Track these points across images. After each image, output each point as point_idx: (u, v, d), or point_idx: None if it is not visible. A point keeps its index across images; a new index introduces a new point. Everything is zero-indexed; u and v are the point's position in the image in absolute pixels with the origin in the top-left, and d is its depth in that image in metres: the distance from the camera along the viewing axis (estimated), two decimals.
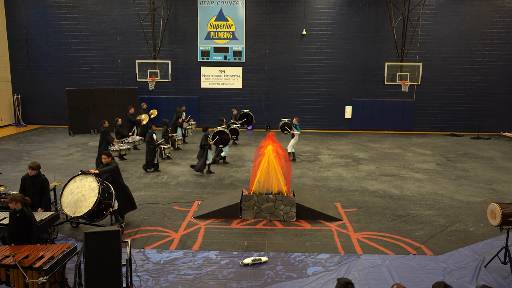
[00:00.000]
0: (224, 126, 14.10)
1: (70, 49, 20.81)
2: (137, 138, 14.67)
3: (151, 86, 18.69)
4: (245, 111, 16.87)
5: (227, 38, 20.66)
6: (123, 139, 14.03)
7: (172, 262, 6.92)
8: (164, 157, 14.15)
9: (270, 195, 8.81)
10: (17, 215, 5.94)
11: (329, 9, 20.33)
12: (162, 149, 14.04)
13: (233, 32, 20.62)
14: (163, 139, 13.93)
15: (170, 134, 15.19)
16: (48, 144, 16.66)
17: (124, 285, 5.46)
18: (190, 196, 10.38)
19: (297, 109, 21.02)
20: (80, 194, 7.65)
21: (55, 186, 8.83)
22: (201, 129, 14.50)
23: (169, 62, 18.93)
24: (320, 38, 20.55)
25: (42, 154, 14.82)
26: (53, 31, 20.67)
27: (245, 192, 9.43)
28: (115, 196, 7.91)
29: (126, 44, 20.72)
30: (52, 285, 5.51)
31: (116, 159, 12.97)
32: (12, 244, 5.93)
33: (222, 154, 13.72)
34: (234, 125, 15.57)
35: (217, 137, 12.88)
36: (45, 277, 5.25)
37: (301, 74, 20.88)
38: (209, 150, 12.41)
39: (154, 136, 12.65)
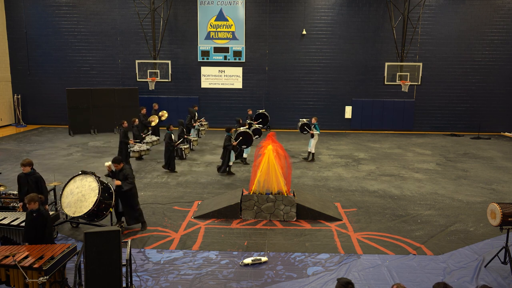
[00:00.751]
0: (246, 126, 14.01)
1: (70, 49, 20.81)
2: (154, 138, 14.77)
3: (151, 86, 18.69)
4: (260, 111, 16.60)
5: (227, 38, 20.66)
6: (138, 140, 13.99)
7: (172, 262, 6.92)
8: (184, 157, 14.18)
9: (270, 195, 8.81)
10: (34, 214, 5.97)
11: (329, 9, 20.33)
12: (183, 149, 14.06)
13: (233, 32, 20.62)
14: (181, 140, 14.00)
15: (185, 136, 15.22)
16: (48, 144, 16.66)
17: (124, 285, 5.46)
18: (190, 196, 10.38)
19: (297, 109, 21.02)
20: (80, 194, 7.65)
21: (55, 186, 8.83)
22: (223, 129, 14.51)
23: (169, 62, 18.93)
24: (320, 38, 20.55)
25: (42, 154, 14.82)
26: (53, 31, 20.67)
27: (245, 192, 9.43)
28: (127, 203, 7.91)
29: (126, 44, 20.72)
30: (52, 285, 5.51)
31: (132, 160, 13.12)
32: (27, 244, 5.96)
33: (244, 155, 13.74)
34: (257, 125, 15.23)
35: (241, 138, 12.65)
36: (45, 277, 5.25)
37: (301, 74, 20.88)
38: (231, 151, 12.49)
39: (173, 136, 12.72)
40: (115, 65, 20.91)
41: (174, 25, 20.59)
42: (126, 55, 20.74)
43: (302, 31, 20.37)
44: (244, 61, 20.83)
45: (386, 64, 18.63)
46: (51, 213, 7.18)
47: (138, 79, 18.75)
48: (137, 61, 18.78)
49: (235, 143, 12.41)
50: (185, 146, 14.17)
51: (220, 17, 20.53)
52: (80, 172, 8.32)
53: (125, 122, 12.97)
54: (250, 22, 20.54)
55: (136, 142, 13.77)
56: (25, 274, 5.27)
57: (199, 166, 13.46)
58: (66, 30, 20.66)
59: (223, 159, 12.51)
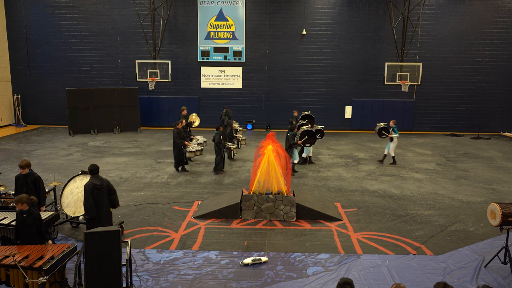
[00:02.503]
0: (309, 126, 13.96)
1: (70, 49, 20.81)
2: (201, 140, 14.92)
3: (151, 86, 18.69)
4: (306, 112, 16.39)
5: (227, 38, 20.66)
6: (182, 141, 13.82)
7: (172, 262, 6.92)
8: (232, 157, 14.31)
9: (270, 195, 8.81)
10: (24, 215, 5.96)
11: (329, 9, 20.33)
12: (232, 149, 14.25)
13: (233, 32, 20.62)
14: (231, 141, 14.33)
15: (234, 135, 15.40)
16: (48, 144, 16.66)
17: (124, 285, 5.46)
18: (190, 196, 10.38)
19: (297, 109, 20.94)
20: (80, 194, 7.65)
21: (55, 186, 8.83)
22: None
23: (169, 62, 18.93)
24: (320, 38, 20.55)
25: (42, 154, 14.82)
26: (53, 31, 20.67)
27: (245, 192, 9.43)
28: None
29: (126, 44, 20.72)
30: (52, 285, 5.51)
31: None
32: (18, 243, 5.95)
33: (304, 154, 13.69)
34: (319, 126, 15.03)
35: (306, 136, 12.91)
36: (45, 277, 5.24)
37: (301, 74, 20.88)
38: (295, 149, 12.60)
39: (221, 137, 12.70)
40: (115, 65, 20.91)
41: (174, 25, 20.59)
42: (126, 55, 20.74)
43: (302, 31, 20.37)
44: (244, 61, 20.83)
45: (386, 64, 18.63)
46: (51, 213, 7.17)
47: (138, 79, 18.75)
48: (137, 61, 18.78)
49: (300, 142, 12.74)
50: (234, 146, 14.45)
51: (220, 17, 20.53)
52: (80, 172, 8.33)
53: (180, 124, 12.65)
54: (250, 22, 20.54)
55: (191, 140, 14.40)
56: (25, 274, 5.27)
57: (199, 166, 13.46)
58: (66, 30, 20.67)
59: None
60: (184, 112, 15.40)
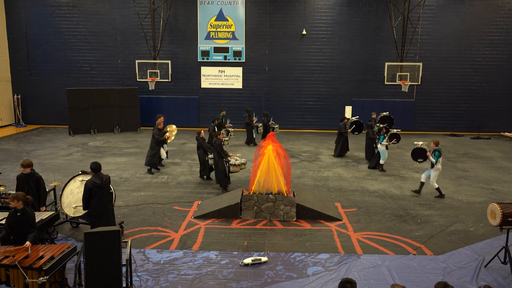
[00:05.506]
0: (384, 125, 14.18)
1: (70, 49, 20.81)
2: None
3: (151, 86, 18.69)
4: (384, 114, 16.31)
5: (227, 38, 20.66)
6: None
7: (172, 262, 6.92)
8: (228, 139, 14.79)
9: (270, 195, 8.81)
10: (18, 214, 5.94)
11: (329, 9, 20.33)
12: (230, 131, 15.18)
13: (233, 32, 20.62)
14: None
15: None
16: (48, 144, 16.66)
17: (124, 285, 5.46)
18: (190, 196, 10.38)
19: (297, 109, 21.03)
20: (81, 194, 7.64)
21: (55, 186, 8.83)
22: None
23: (169, 62, 18.93)
24: (320, 38, 20.55)
25: (42, 154, 14.82)
26: (53, 31, 20.67)
27: (245, 192, 9.43)
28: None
29: (126, 44, 20.72)
30: (52, 285, 5.51)
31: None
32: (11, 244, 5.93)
33: (381, 161, 13.14)
34: (395, 130, 15.04)
35: (354, 125, 15.13)
36: (45, 277, 5.24)
37: (301, 74, 20.88)
38: (384, 150, 13.01)
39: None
40: (115, 65, 20.91)
41: (174, 25, 20.59)
42: (126, 55, 20.74)
43: (302, 31, 20.37)
44: (244, 61, 20.83)
45: (386, 64, 18.63)
46: (51, 213, 7.16)
47: (138, 79, 18.75)
48: (137, 61, 18.78)
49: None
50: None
51: (220, 17, 20.53)
52: (80, 172, 8.33)
53: (202, 131, 11.67)
54: (250, 22, 20.54)
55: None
56: (25, 274, 5.27)
57: (199, 166, 13.41)
58: (66, 30, 20.67)
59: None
60: (160, 122, 12.70)
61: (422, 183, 10.66)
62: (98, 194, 6.93)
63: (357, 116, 16.14)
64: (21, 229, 5.93)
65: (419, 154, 10.87)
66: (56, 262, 5.47)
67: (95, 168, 7.05)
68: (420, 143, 10.97)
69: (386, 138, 12.98)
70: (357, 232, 8.26)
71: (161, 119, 12.87)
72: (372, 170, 13.23)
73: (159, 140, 12.37)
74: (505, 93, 20.68)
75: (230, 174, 10.99)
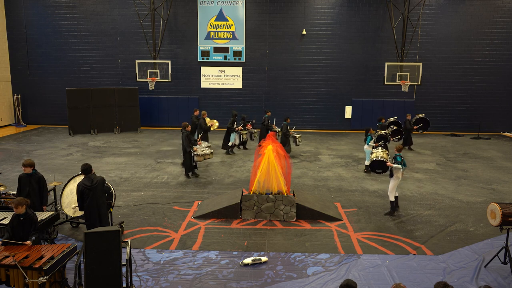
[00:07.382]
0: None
1: (70, 49, 20.81)
2: (254, 130, 16.06)
3: (151, 86, 18.69)
4: (420, 115, 16.37)
5: (227, 38, 20.66)
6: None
7: (172, 262, 6.92)
8: (298, 144, 15.19)
9: (270, 195, 8.81)
10: (21, 218, 5.95)
11: (329, 9, 20.33)
12: (297, 137, 15.12)
13: (233, 32, 20.62)
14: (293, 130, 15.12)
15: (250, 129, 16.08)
16: (48, 144, 16.66)
17: (124, 285, 5.46)
18: (190, 196, 10.38)
19: (297, 109, 21.02)
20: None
21: (55, 186, 8.83)
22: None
23: (169, 62, 18.93)
24: (320, 38, 20.55)
25: (42, 154, 14.82)
26: (53, 31, 20.67)
27: (245, 192, 9.43)
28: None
29: (126, 44, 20.72)
30: (52, 285, 5.51)
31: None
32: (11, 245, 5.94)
33: (366, 162, 12.92)
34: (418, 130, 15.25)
35: (394, 126, 15.33)
36: (45, 277, 5.25)
37: (301, 74, 20.88)
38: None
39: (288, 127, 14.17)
40: (115, 65, 20.91)
41: (174, 25, 20.59)
42: (126, 55, 20.74)
43: (302, 31, 20.36)
44: (244, 61, 20.83)
45: (386, 64, 18.63)
46: (51, 213, 7.17)
47: (138, 79, 18.75)
48: (137, 61, 18.78)
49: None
50: (298, 135, 15.29)
51: (220, 17, 20.53)
52: (80, 172, 8.33)
53: (189, 126, 12.23)
54: (250, 22, 20.54)
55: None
56: (25, 274, 5.27)
57: (199, 166, 13.44)
58: (66, 30, 20.67)
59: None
60: (205, 113, 14.53)
61: (396, 197, 9.51)
62: (90, 195, 6.91)
63: (395, 117, 16.47)
64: (24, 232, 5.96)
65: (377, 166, 9.83)
66: (56, 262, 5.47)
67: (85, 170, 7.03)
68: (380, 154, 9.85)
69: (374, 139, 12.81)
70: (357, 232, 8.26)
71: (204, 112, 14.79)
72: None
73: (205, 128, 13.97)
74: (505, 93, 20.68)
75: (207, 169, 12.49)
